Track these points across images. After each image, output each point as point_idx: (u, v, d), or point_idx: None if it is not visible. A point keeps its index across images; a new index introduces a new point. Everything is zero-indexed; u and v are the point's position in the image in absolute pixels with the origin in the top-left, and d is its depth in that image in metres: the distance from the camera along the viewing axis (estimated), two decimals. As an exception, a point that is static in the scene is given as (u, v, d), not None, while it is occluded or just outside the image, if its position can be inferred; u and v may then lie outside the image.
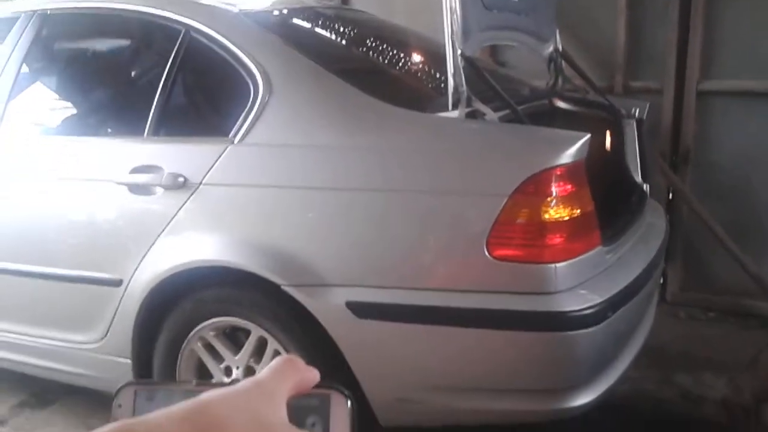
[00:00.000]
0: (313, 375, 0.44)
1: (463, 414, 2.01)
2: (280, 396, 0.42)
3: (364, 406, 2.06)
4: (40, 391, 2.95)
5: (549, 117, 2.65)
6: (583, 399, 1.95)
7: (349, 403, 0.45)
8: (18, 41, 2.61)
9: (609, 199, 2.18)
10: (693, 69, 3.44)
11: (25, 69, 2.63)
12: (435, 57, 2.83)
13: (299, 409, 0.43)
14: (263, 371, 0.43)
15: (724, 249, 3.40)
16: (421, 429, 2.22)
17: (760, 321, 3.44)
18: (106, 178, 2.28)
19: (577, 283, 1.89)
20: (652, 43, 3.57)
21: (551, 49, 2.87)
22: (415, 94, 2.43)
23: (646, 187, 2.72)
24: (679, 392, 2.83)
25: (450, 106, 2.03)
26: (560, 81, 2.92)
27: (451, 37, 2.03)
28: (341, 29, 2.82)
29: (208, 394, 0.41)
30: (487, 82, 2.11)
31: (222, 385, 0.44)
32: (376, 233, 1.97)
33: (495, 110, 2.06)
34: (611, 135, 2.75)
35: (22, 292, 2.52)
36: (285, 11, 2.67)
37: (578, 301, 1.86)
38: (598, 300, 1.90)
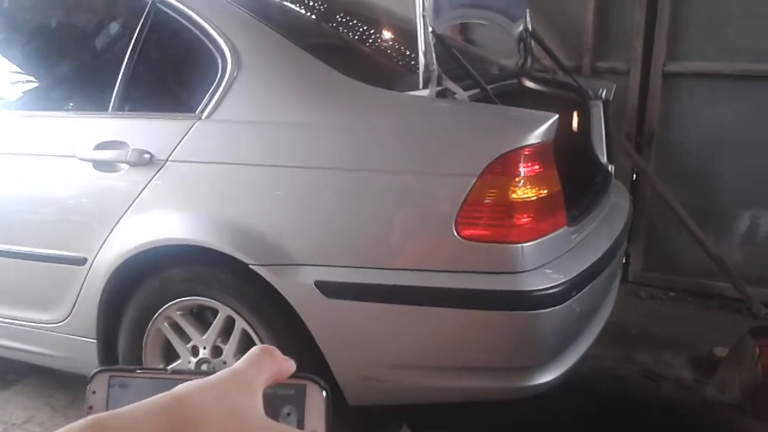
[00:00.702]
0: (289, 365, 0.44)
1: (430, 392, 2.02)
2: (257, 386, 0.41)
3: (332, 385, 2.07)
4: (3, 370, 2.90)
5: (518, 97, 2.66)
6: (547, 377, 1.98)
7: (324, 393, 0.45)
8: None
9: (575, 179, 2.20)
10: (660, 50, 3.48)
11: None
12: (405, 34, 2.81)
13: (275, 398, 0.43)
14: (240, 361, 0.43)
15: (686, 230, 3.46)
16: (389, 408, 2.24)
17: (719, 301, 3.53)
18: (69, 154, 2.22)
19: (543, 263, 1.91)
20: (620, 24, 3.60)
21: (521, 28, 2.87)
22: (385, 71, 2.42)
23: (611, 168, 2.75)
24: (640, 370, 2.89)
25: (420, 85, 2.02)
26: (529, 61, 2.93)
27: (422, 14, 2.01)
28: (312, 4, 2.79)
29: (185, 386, 0.40)
30: (458, 61, 2.10)
31: (198, 374, 0.43)
32: (345, 212, 1.96)
33: (465, 89, 2.06)
34: (578, 116, 2.78)
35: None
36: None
37: (544, 281, 1.88)
38: (563, 279, 1.92)
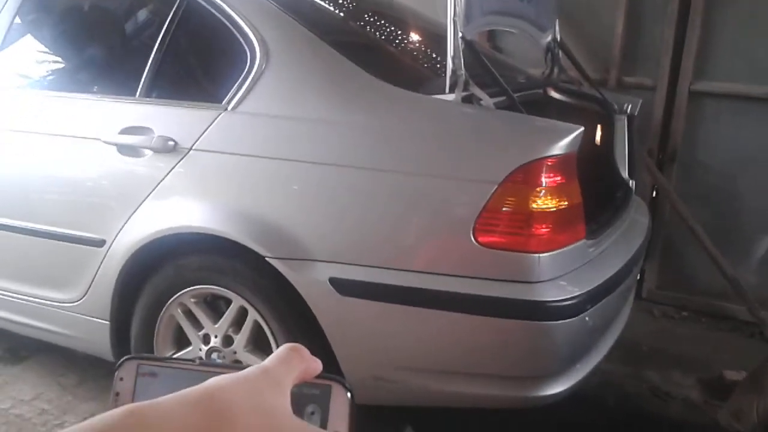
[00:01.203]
0: (317, 365, 0.45)
1: (438, 396, 2.02)
2: (286, 384, 0.42)
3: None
4: (15, 346, 2.94)
5: (543, 107, 2.65)
6: (556, 388, 1.97)
7: (349, 395, 0.45)
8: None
9: (596, 192, 2.20)
10: (687, 68, 3.45)
11: (18, 21, 2.58)
12: (433, 37, 2.82)
13: (300, 396, 0.43)
14: (269, 358, 0.43)
15: (703, 250, 3.44)
16: (395, 409, 2.24)
17: (731, 324, 3.50)
18: (94, 136, 2.25)
19: (559, 274, 1.91)
20: (648, 39, 3.58)
21: (549, 38, 2.88)
22: (411, 73, 2.42)
23: (632, 183, 2.74)
24: (648, 388, 2.87)
25: (447, 89, 2.03)
26: (556, 71, 2.93)
27: (453, 19, 2.01)
28: (340, 1, 2.80)
29: (217, 380, 0.41)
30: (486, 68, 2.10)
31: (227, 367, 0.44)
32: (364, 212, 1.97)
33: (491, 96, 2.06)
34: (602, 129, 2.77)
35: (3, 247, 2.49)
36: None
37: (559, 292, 1.88)
38: (579, 292, 1.92)
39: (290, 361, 0.44)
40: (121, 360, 0.46)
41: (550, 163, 1.86)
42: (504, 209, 1.85)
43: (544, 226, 1.87)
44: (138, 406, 0.38)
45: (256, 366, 0.43)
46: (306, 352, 0.45)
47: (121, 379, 0.46)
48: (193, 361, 0.47)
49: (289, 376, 0.43)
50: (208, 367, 0.45)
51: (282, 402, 0.41)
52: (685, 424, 2.64)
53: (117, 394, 0.45)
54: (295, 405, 0.42)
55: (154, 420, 0.38)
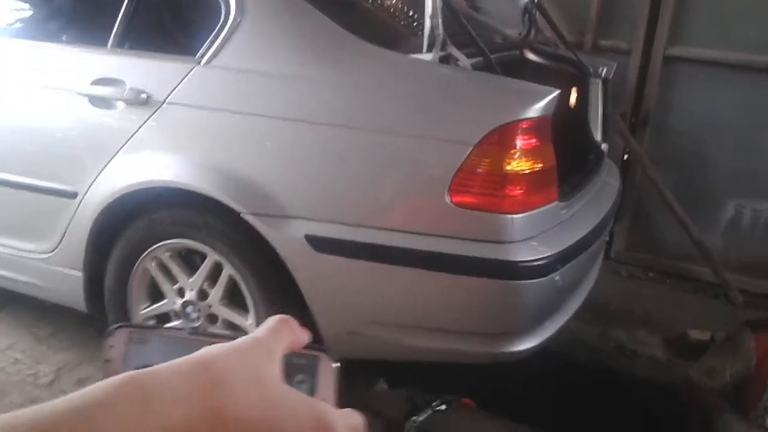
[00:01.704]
0: (305, 336, 0.46)
1: (411, 351, 2.06)
2: (276, 354, 0.43)
3: (316, 337, 2.10)
4: (-15, 297, 2.92)
5: (518, 68, 2.66)
6: (525, 345, 2.02)
7: (335, 365, 0.47)
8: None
9: (568, 155, 2.22)
10: (662, 33, 3.47)
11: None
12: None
13: (289, 366, 0.45)
14: (260, 329, 0.45)
15: (671, 213, 3.51)
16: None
17: (696, 285, 3.59)
18: (66, 87, 2.21)
19: (532, 235, 1.94)
20: (625, 3, 3.58)
21: (527, -1, 2.86)
22: (388, 32, 2.41)
23: (604, 146, 2.78)
24: (615, 346, 2.96)
25: (424, 49, 2.02)
26: (533, 33, 2.92)
27: (433, -23, 2.00)
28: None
29: (209, 350, 0.42)
30: (464, 28, 2.10)
31: (216, 336, 0.45)
32: (340, 169, 1.97)
33: (468, 57, 2.06)
34: (577, 92, 2.78)
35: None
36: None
37: (531, 252, 1.92)
38: (550, 253, 1.95)
39: (280, 332, 0.45)
40: (112, 327, 0.47)
41: (525, 126, 1.87)
42: (479, 170, 1.87)
43: (517, 187, 1.90)
44: (135, 375, 0.39)
45: (248, 336, 0.44)
46: (295, 323, 0.46)
47: (111, 346, 0.46)
48: (183, 329, 0.48)
49: (279, 346, 0.44)
50: (198, 335, 0.46)
51: (273, 371, 0.42)
52: (650, 380, 2.73)
53: (107, 360, 0.46)
54: (284, 374, 0.44)
55: (152, 389, 0.39)
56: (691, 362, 2.80)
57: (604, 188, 2.58)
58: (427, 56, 2.02)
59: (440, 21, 2.00)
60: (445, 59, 2.04)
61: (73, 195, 2.22)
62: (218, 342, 0.43)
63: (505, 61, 2.44)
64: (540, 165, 1.94)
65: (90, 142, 2.21)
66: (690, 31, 3.45)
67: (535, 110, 1.88)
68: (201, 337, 0.46)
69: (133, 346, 0.46)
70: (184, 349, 0.43)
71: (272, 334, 0.44)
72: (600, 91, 2.77)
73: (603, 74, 2.78)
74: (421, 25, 2.41)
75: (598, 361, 2.81)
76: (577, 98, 2.77)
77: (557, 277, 1.98)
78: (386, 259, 1.96)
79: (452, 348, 2.03)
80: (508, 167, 1.88)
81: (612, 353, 2.90)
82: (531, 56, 2.79)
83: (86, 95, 2.17)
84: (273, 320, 0.46)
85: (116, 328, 0.47)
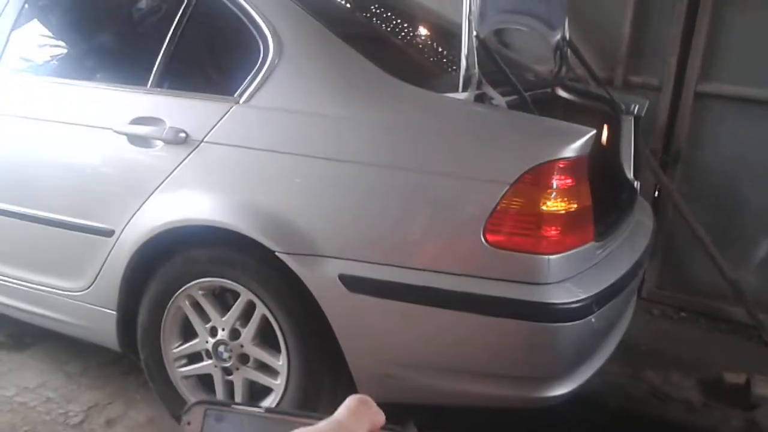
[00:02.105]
0: (382, 417, 0.47)
1: (445, 395, 2.04)
2: None
3: (348, 379, 2.09)
4: (19, 333, 2.94)
5: (551, 105, 2.66)
6: (561, 390, 1.99)
7: None
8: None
9: (602, 194, 2.20)
10: (693, 69, 3.46)
11: (28, 8, 2.57)
12: (445, 34, 2.82)
13: None
14: (340, 411, 0.45)
15: (704, 251, 3.45)
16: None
17: (730, 326, 3.53)
18: (105, 125, 2.24)
19: (568, 276, 1.92)
20: (655, 39, 3.58)
21: (559, 36, 2.87)
22: (422, 70, 2.42)
23: (636, 184, 2.75)
24: (648, 389, 2.90)
25: (460, 87, 2.03)
26: (564, 70, 2.93)
27: (468, 17, 2.01)
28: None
29: None
30: (499, 67, 2.10)
31: (293, 414, 0.45)
32: (374, 208, 1.97)
33: (503, 95, 2.06)
34: (609, 129, 2.77)
35: (11, 234, 2.49)
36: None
37: (567, 294, 1.89)
38: (586, 295, 1.93)
39: (360, 413, 0.46)
40: (189, 404, 0.47)
41: (561, 166, 1.86)
42: (514, 210, 1.86)
43: (554, 228, 1.88)
44: None
45: (330, 419, 0.45)
46: (373, 403, 0.47)
47: (189, 423, 0.47)
48: (259, 408, 0.48)
49: (360, 428, 0.45)
50: (274, 414, 0.46)
51: None
52: (685, 425, 2.66)
53: None
54: None
55: None
56: (728, 407, 2.74)
57: (638, 227, 2.56)
58: (462, 95, 2.02)
59: (475, 60, 2.01)
60: (480, 98, 2.04)
61: (110, 233, 2.24)
62: (295, 420, 0.44)
63: (537, 99, 2.43)
64: (576, 205, 1.93)
65: (128, 180, 2.23)
66: (721, 68, 3.43)
67: (572, 150, 1.87)
68: (277, 415, 0.46)
69: (210, 424, 0.46)
70: (260, 427, 0.43)
71: (353, 416, 0.45)
72: (632, 129, 2.75)
73: (635, 111, 2.77)
74: (453, 62, 2.44)
75: (630, 406, 2.75)
76: (610, 136, 2.75)
77: (593, 320, 1.95)
78: (420, 300, 1.95)
79: (486, 392, 2.00)
80: (544, 207, 1.86)
81: (644, 397, 2.84)
82: (563, 94, 2.79)
83: (125, 134, 2.20)
84: (352, 401, 0.46)
85: (193, 405, 0.47)
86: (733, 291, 3.41)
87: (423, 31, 2.86)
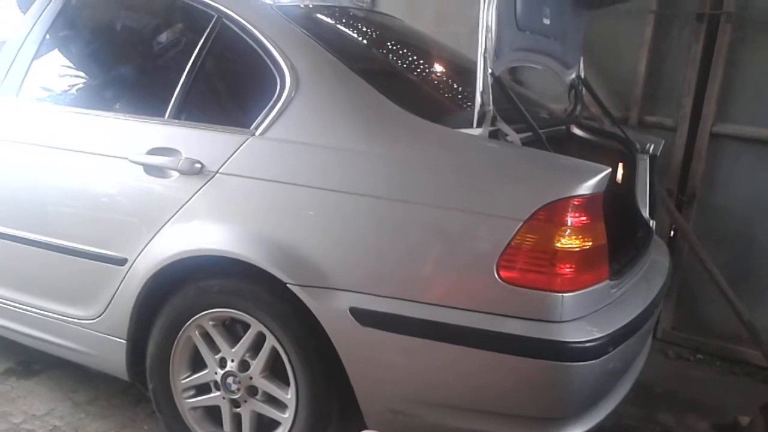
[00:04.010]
0: None
1: (454, 432, 2.01)
2: None
3: (356, 413, 2.06)
4: (28, 360, 2.94)
5: (565, 143, 2.66)
6: (574, 431, 1.95)
7: None
8: (45, 9, 2.60)
9: (618, 232, 2.19)
10: (709, 110, 3.46)
11: (49, 38, 2.62)
12: (460, 71, 2.84)
13: None
14: None
15: (719, 293, 3.42)
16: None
17: (746, 368, 3.47)
18: (121, 155, 2.26)
19: (582, 315, 1.89)
20: (671, 79, 3.59)
21: (574, 75, 2.89)
22: (437, 106, 2.42)
23: (652, 223, 2.74)
24: (661, 431, 2.84)
25: (474, 123, 2.03)
26: (578, 108, 2.93)
27: (484, 55, 2.02)
28: (371, 32, 2.82)
29: None
30: (514, 104, 2.10)
31: None
32: (387, 242, 1.96)
33: (517, 132, 2.06)
34: (624, 168, 2.76)
35: (23, 260, 2.50)
36: (318, 8, 2.66)
37: (581, 333, 1.86)
38: (601, 334, 1.90)
39: None
40: None
41: (576, 203, 1.85)
42: (528, 247, 1.84)
43: (568, 265, 1.86)
44: None
45: None
46: None
47: None
48: None
49: None
50: None
51: None
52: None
53: None
54: None
55: None
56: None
57: (654, 266, 2.53)
58: (476, 131, 2.03)
59: (490, 97, 2.02)
60: (494, 134, 2.05)
61: (122, 261, 2.25)
62: None
63: (552, 137, 2.44)
64: (591, 243, 1.91)
65: (142, 209, 2.24)
66: (738, 109, 3.43)
67: (587, 187, 1.86)
68: None
69: None
70: None
71: None
72: (647, 168, 2.75)
73: (651, 151, 2.76)
74: (467, 98, 2.45)
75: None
76: (625, 175, 2.75)
77: (608, 360, 1.92)
78: (431, 335, 1.93)
79: (498, 431, 1.96)
80: (559, 244, 1.85)
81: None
82: (578, 132, 2.80)
83: (141, 164, 2.22)
84: None
85: None
86: (749, 333, 3.36)
87: (438, 67, 2.88)
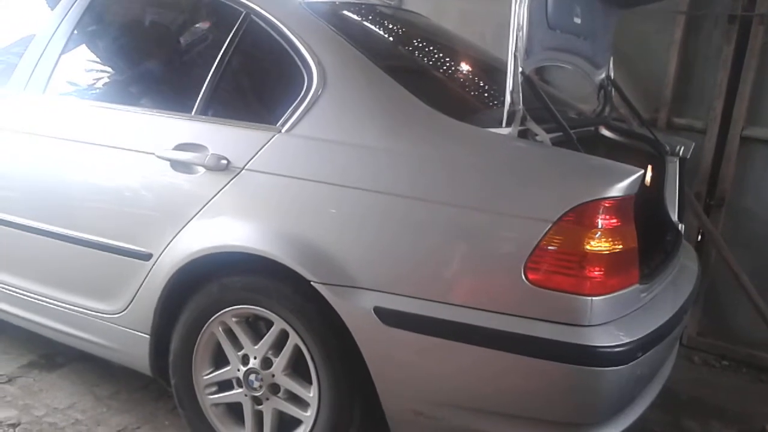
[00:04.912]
0: None
1: (478, 436, 1.98)
2: None
3: (379, 413, 2.04)
4: (51, 353, 2.96)
5: (594, 144, 2.62)
6: (600, 436, 1.92)
7: None
8: (73, 5, 2.61)
9: (647, 236, 2.14)
10: (740, 113, 3.40)
11: (77, 33, 2.62)
12: (487, 69, 2.81)
13: None
14: None
15: (747, 299, 3.36)
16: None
17: (774, 376, 3.41)
18: (148, 150, 2.26)
19: (611, 319, 1.86)
20: (701, 82, 3.53)
21: (603, 75, 2.85)
22: (466, 105, 2.40)
23: (681, 227, 2.69)
24: (687, 438, 2.80)
25: (504, 123, 2.00)
26: (608, 109, 2.90)
27: (514, 53, 1.99)
28: (399, 30, 2.80)
29: None
30: (545, 104, 2.07)
31: None
32: (414, 242, 1.94)
33: (547, 132, 2.03)
34: (653, 171, 2.72)
35: (48, 254, 2.51)
36: (346, 5, 2.64)
37: (610, 338, 1.83)
38: (630, 339, 1.86)
39: None
40: None
41: (607, 205, 1.82)
42: (557, 249, 1.81)
43: (598, 268, 1.83)
44: None
45: None
46: None
47: None
48: None
49: None
50: None
51: None
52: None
53: None
54: None
55: None
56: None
57: (683, 271, 2.49)
58: (505, 130, 2.00)
59: (520, 96, 1.99)
60: (523, 134, 2.02)
61: (148, 256, 2.25)
62: None
63: (580, 138, 2.40)
64: (621, 246, 1.87)
65: (168, 204, 2.23)
66: (768, 113, 3.37)
67: (619, 189, 1.82)
68: None
69: None
70: None
71: None
72: (677, 171, 2.70)
73: (681, 153, 2.71)
74: (495, 97, 2.42)
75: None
76: (654, 177, 2.70)
77: (637, 366, 1.89)
78: (456, 337, 1.90)
79: (522, 436, 1.94)
80: (588, 247, 1.81)
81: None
82: (607, 133, 2.75)
83: (168, 159, 2.21)
84: None
85: None
86: (778, 341, 3.30)
87: (465, 65, 2.85)
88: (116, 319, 2.38)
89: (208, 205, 2.14)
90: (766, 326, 3.33)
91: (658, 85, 3.58)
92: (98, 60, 2.79)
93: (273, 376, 2.18)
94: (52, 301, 2.54)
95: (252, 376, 2.21)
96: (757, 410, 3.03)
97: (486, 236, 1.89)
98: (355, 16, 2.64)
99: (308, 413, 2.16)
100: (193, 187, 2.18)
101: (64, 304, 2.51)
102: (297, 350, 2.12)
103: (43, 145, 2.53)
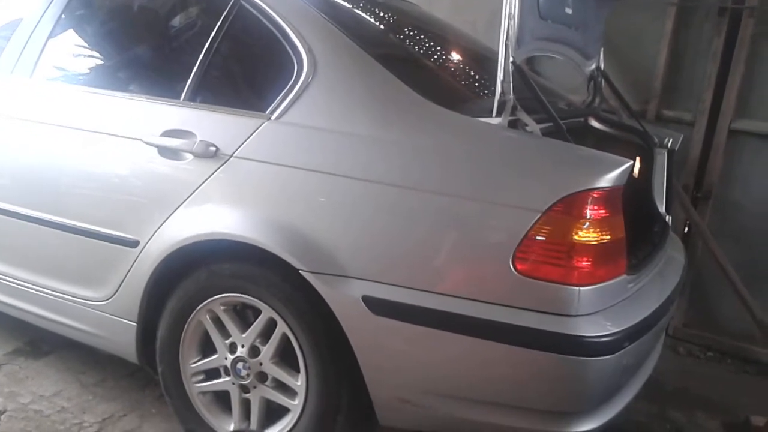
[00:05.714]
0: None
1: (465, 425, 1.98)
2: None
3: (366, 401, 2.04)
4: (37, 340, 2.94)
5: (583, 135, 2.62)
6: (586, 426, 1.92)
7: None
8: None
9: (634, 227, 2.15)
10: (728, 106, 3.42)
11: (65, 17, 2.59)
12: (478, 58, 2.81)
13: None
14: None
15: (733, 290, 3.38)
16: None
17: (758, 367, 3.44)
18: (136, 136, 2.24)
19: (598, 309, 1.86)
20: (690, 74, 3.55)
21: (593, 66, 2.85)
22: (456, 94, 2.39)
23: (668, 219, 2.70)
24: (672, 429, 2.82)
25: (494, 113, 2.00)
26: (597, 100, 2.90)
27: (505, 43, 1.98)
28: (391, 18, 2.78)
29: None
30: (535, 94, 2.07)
31: None
32: (402, 231, 1.93)
33: (537, 122, 2.03)
34: (642, 162, 2.72)
35: (35, 240, 2.49)
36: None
37: (597, 328, 1.83)
38: (617, 329, 1.87)
39: None
40: None
41: (596, 196, 1.82)
42: (546, 239, 1.81)
43: (585, 259, 1.83)
44: None
45: None
46: None
47: None
48: None
49: None
50: None
51: None
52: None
53: None
54: None
55: None
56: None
57: (670, 262, 2.50)
58: (495, 120, 1.99)
59: (511, 86, 1.98)
60: (513, 124, 2.01)
61: (135, 243, 2.23)
62: None
63: (570, 128, 2.39)
64: (609, 236, 1.87)
65: (155, 191, 2.22)
66: (757, 105, 3.39)
67: (608, 180, 1.82)
68: None
69: None
70: None
71: None
72: (665, 163, 2.71)
73: (669, 145, 2.72)
74: (486, 86, 2.41)
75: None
76: (642, 169, 2.71)
77: (623, 356, 1.89)
78: (443, 326, 1.90)
79: (509, 424, 1.94)
80: (577, 237, 1.82)
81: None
82: (596, 124, 2.76)
83: (156, 145, 2.20)
84: None
85: None
86: (762, 332, 3.33)
87: (456, 54, 2.84)
88: (103, 307, 2.36)
89: (196, 192, 2.12)
90: (751, 318, 3.36)
91: (648, 76, 3.59)
92: (86, 44, 2.76)
93: (260, 364, 2.18)
94: (37, 287, 2.52)
95: (239, 365, 2.21)
96: (740, 401, 3.06)
97: (474, 226, 1.88)
98: (346, 4, 2.62)
99: (296, 401, 2.15)
100: (181, 174, 2.16)
101: (50, 291, 2.49)
102: (285, 339, 2.12)
103: (29, 129, 2.50)
